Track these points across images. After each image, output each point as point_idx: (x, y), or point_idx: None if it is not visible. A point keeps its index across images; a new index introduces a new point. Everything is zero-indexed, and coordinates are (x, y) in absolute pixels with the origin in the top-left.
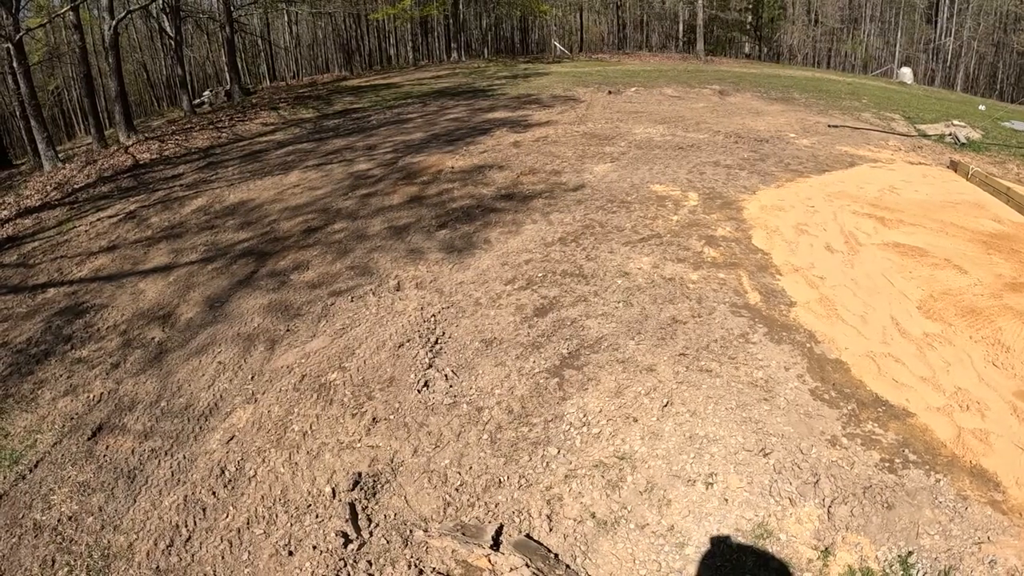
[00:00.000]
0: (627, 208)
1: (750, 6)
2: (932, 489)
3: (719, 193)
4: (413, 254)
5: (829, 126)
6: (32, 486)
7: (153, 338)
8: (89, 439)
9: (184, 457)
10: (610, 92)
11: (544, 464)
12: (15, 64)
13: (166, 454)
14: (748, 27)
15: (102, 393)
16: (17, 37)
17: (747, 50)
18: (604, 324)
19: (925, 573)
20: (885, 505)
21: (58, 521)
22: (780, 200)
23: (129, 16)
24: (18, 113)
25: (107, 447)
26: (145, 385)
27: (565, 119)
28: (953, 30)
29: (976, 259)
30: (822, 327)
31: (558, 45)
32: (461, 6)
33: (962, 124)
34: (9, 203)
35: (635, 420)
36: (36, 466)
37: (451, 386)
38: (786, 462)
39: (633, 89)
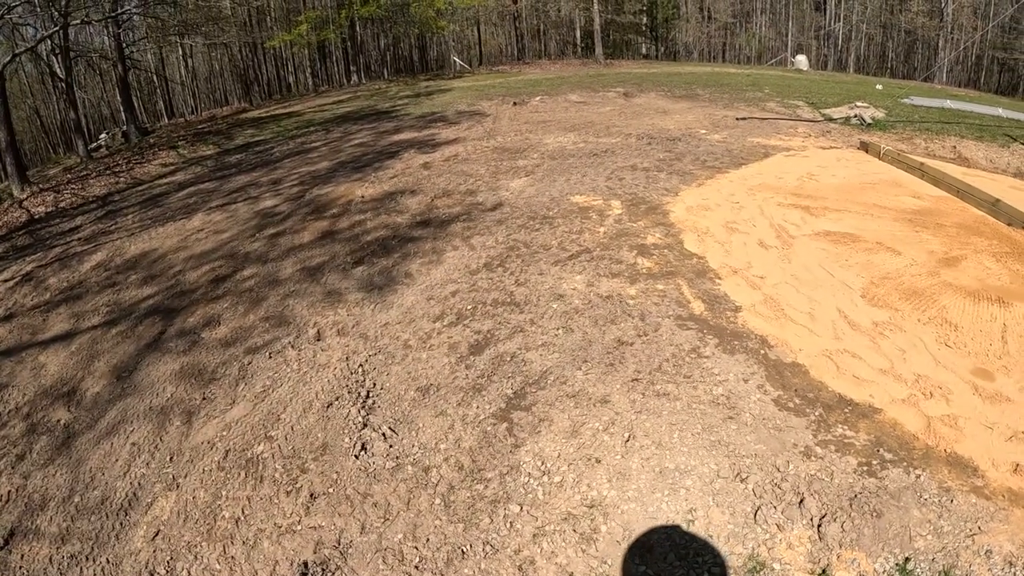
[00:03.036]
0: (551, 224)
1: (644, 8)
2: (914, 487)
3: (642, 198)
4: (331, 296)
5: (737, 119)
6: None
7: (59, 420)
8: (1, 549)
9: (108, 561)
10: (515, 103)
11: (508, 524)
12: None
13: (87, 559)
14: (644, 28)
15: (10, 491)
16: None
17: (644, 51)
18: (546, 355)
19: None
20: (873, 514)
21: None
22: (704, 199)
23: (16, 60)
24: None
25: (22, 556)
26: (55, 478)
27: (473, 135)
28: (842, 15)
29: (906, 238)
30: (772, 330)
31: (458, 60)
32: (358, 28)
33: (865, 105)
34: None
35: (598, 461)
36: None
37: (391, 446)
38: (765, 484)
39: (538, 98)
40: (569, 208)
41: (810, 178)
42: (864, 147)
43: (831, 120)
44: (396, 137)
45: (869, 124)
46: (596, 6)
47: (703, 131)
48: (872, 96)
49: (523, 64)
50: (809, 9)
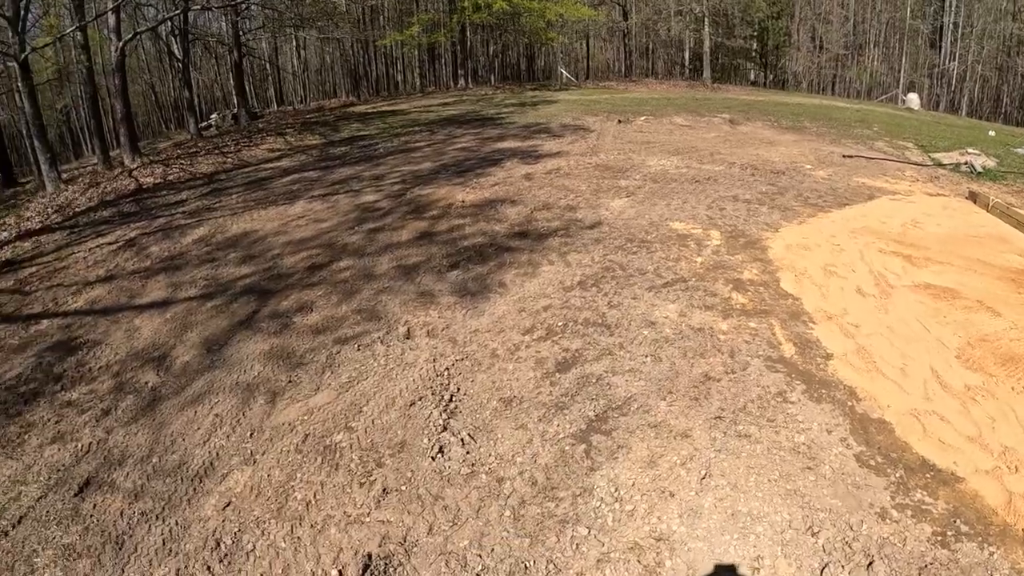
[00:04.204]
0: (648, 248)
1: (755, 33)
2: (987, 564)
3: (741, 231)
4: (424, 297)
5: (844, 156)
6: (15, 545)
7: (147, 383)
8: (76, 495)
9: (177, 523)
10: (620, 121)
11: (574, 546)
12: (20, 83)
13: (157, 518)
14: (754, 54)
15: (91, 443)
16: (23, 56)
17: (752, 77)
18: (632, 382)
19: None
20: None
21: None
22: (804, 238)
23: (137, 38)
24: (24, 132)
25: (95, 506)
26: (136, 437)
27: (576, 150)
28: (957, 54)
29: (1008, 299)
30: (862, 382)
31: (564, 72)
32: (468, 33)
33: (976, 152)
34: (9, 224)
35: (671, 495)
36: (19, 522)
37: (468, 452)
38: (836, 541)
39: (643, 118)
40: (667, 234)
41: (914, 225)
42: (972, 197)
43: (940, 165)
44: (499, 145)
45: (979, 173)
46: (707, 28)
47: (808, 166)
48: (984, 143)
49: (629, 81)
50: (924, 45)
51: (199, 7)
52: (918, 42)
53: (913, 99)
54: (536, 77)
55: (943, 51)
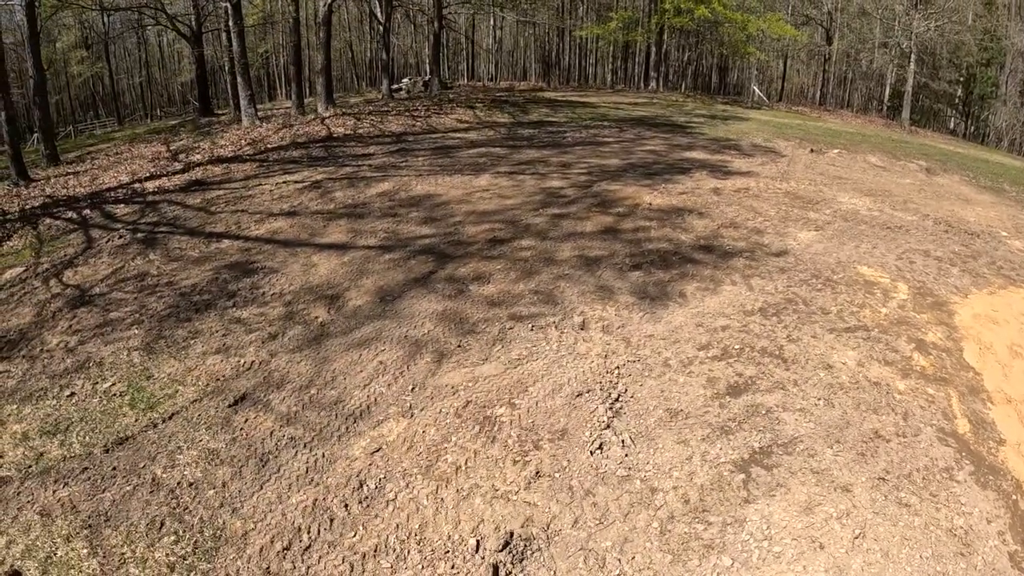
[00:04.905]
0: (833, 288)
1: (961, 79)
2: None
3: (930, 289)
4: (602, 291)
5: None
6: (162, 438)
7: (317, 317)
8: (230, 406)
9: (323, 456)
10: (812, 150)
11: (715, 574)
12: (231, 23)
13: (305, 447)
14: (956, 101)
15: (253, 362)
16: None
17: (952, 125)
18: (801, 422)
19: None
20: None
21: (178, 484)
22: (994, 311)
23: None
24: (227, 68)
25: (246, 420)
26: (299, 365)
27: (766, 172)
28: None
29: None
30: None
31: (757, 90)
32: (666, 36)
33: None
34: (203, 148)
35: (822, 547)
36: (170, 418)
37: (627, 455)
38: None
39: (836, 151)
40: (854, 277)
41: None
42: None
43: None
44: (688, 154)
45: None
46: (912, 65)
47: (1004, 233)
48: None
49: (823, 109)
50: None
51: None
52: None
53: None
54: (727, 91)
55: None
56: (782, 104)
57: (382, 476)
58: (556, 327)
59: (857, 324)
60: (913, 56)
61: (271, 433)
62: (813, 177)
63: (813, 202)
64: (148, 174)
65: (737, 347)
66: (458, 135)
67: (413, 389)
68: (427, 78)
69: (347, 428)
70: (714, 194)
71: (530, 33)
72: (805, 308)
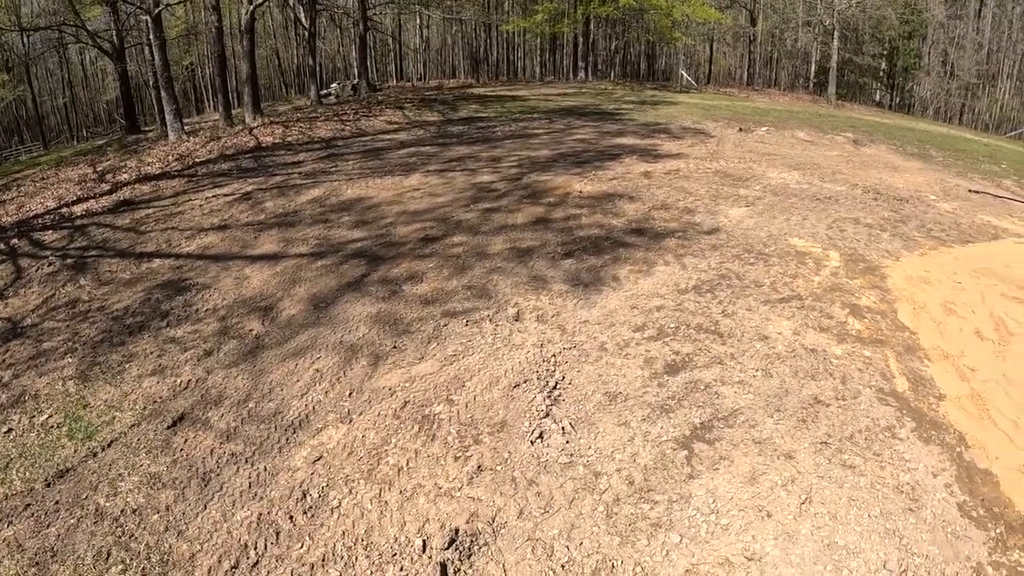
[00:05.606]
0: (765, 261)
1: (885, 52)
2: None
3: (861, 255)
4: (536, 281)
5: (970, 191)
6: (102, 466)
7: (251, 330)
8: (168, 428)
9: (265, 469)
10: (740, 129)
11: (664, 552)
12: (152, 36)
13: (246, 462)
14: (881, 74)
15: (190, 380)
16: (156, 11)
17: (878, 98)
18: (741, 394)
19: None
20: None
21: (121, 512)
22: (925, 272)
23: (266, 3)
24: (151, 83)
25: (185, 440)
26: (236, 380)
27: (696, 153)
28: None
29: None
30: (973, 429)
31: (685, 75)
32: (592, 26)
33: None
34: (130, 167)
35: (769, 515)
36: (110, 445)
37: (568, 442)
38: None
39: (764, 128)
40: (786, 249)
41: None
42: None
43: None
44: (618, 140)
45: None
46: (835, 42)
47: (932, 197)
48: None
49: (751, 90)
50: None
51: None
52: None
53: None
54: (656, 77)
55: None
56: (710, 87)
57: (325, 484)
58: (491, 320)
59: (791, 294)
60: (836, 33)
61: (211, 451)
62: (742, 155)
63: (743, 179)
64: (75, 197)
65: (673, 326)
66: (388, 136)
67: (351, 394)
68: (356, 81)
69: (287, 439)
70: (645, 178)
71: (457, 30)
72: (739, 282)
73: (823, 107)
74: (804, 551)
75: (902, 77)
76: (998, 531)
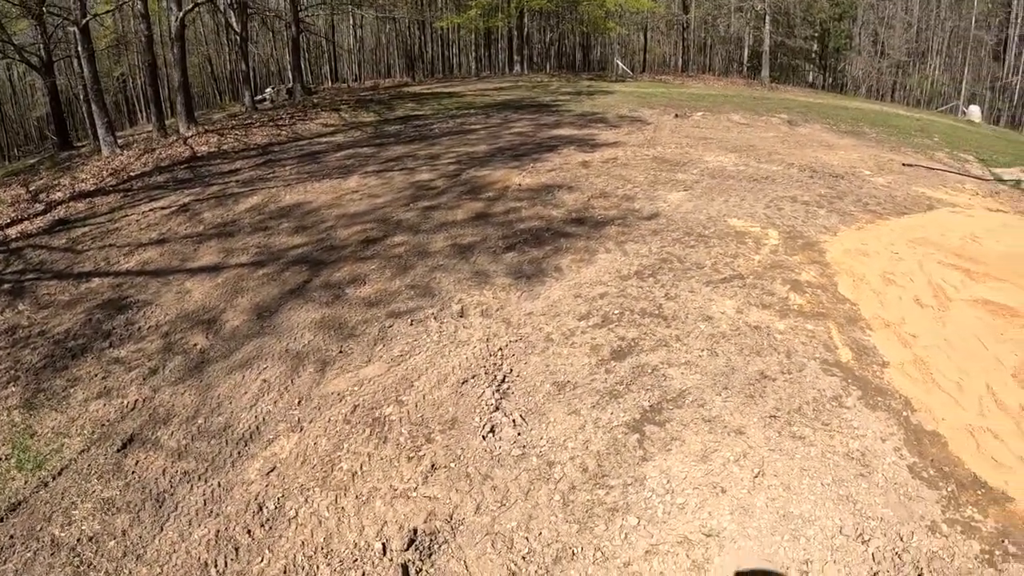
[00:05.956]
0: (706, 243)
1: (816, 34)
2: None
3: (800, 232)
4: (478, 277)
5: (903, 164)
6: (54, 496)
7: (195, 344)
8: (119, 451)
9: (219, 485)
10: (677, 115)
11: (623, 536)
12: (80, 48)
13: (200, 479)
14: (813, 55)
15: (137, 400)
16: (84, 21)
17: (811, 79)
18: (688, 375)
19: None
20: None
21: (78, 540)
22: (863, 244)
23: (196, 9)
24: (82, 97)
25: (137, 463)
26: (183, 397)
27: (633, 141)
28: (1021, 68)
29: None
30: (918, 393)
31: (620, 64)
32: (526, 19)
33: None
34: (64, 185)
35: (723, 491)
36: (60, 473)
37: (519, 434)
38: (886, 551)
39: (700, 113)
40: (725, 230)
41: (974, 240)
42: None
43: (1001, 181)
44: (555, 132)
45: None
46: (767, 26)
47: (867, 172)
48: None
49: (686, 76)
50: (987, 57)
51: None
52: (981, 53)
53: (974, 111)
54: (591, 68)
55: (1007, 64)
56: (646, 75)
57: (280, 495)
58: (435, 318)
59: (732, 274)
60: (768, 17)
61: (164, 471)
62: (679, 140)
63: (680, 164)
64: (8, 220)
65: (617, 312)
66: (325, 139)
67: (300, 402)
68: (290, 85)
69: (239, 452)
70: (583, 167)
71: (391, 29)
72: (680, 265)
73: (757, 90)
74: (760, 523)
75: (834, 58)
76: (949, 489)
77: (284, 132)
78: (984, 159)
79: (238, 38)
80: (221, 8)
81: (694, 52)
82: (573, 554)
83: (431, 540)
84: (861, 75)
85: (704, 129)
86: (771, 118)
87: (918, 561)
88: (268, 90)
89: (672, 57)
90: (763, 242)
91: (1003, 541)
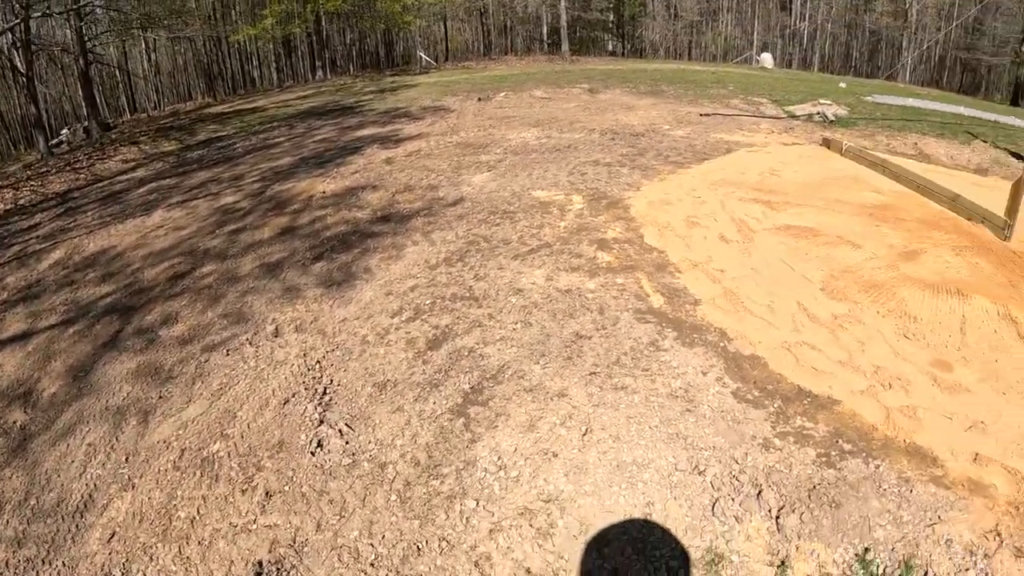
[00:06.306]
0: (511, 218)
1: (611, 5)
2: (873, 477)
3: (604, 193)
4: (290, 293)
5: (701, 115)
6: None
7: (15, 422)
8: None
9: (64, 564)
10: (479, 99)
11: (464, 520)
12: None
13: (43, 563)
14: (611, 25)
15: None
16: None
17: (611, 48)
18: (504, 349)
19: (885, 566)
20: (832, 504)
21: None
22: (666, 194)
23: None
24: None
25: None
26: (12, 481)
27: (437, 130)
28: (808, 15)
29: (866, 232)
30: (731, 323)
31: (424, 56)
32: (324, 23)
33: (828, 102)
34: None
35: (555, 455)
36: None
37: (347, 442)
38: (724, 476)
39: (503, 94)
40: (530, 203)
41: (772, 174)
42: (826, 144)
43: (794, 117)
44: (359, 133)
45: (832, 121)
46: (563, 3)
47: (667, 127)
48: (836, 94)
49: (489, 60)
50: (775, 8)
51: (40, 14)
52: (769, 5)
53: (767, 58)
54: (396, 63)
55: (794, 12)
56: (449, 64)
57: (125, 560)
58: (251, 343)
59: (539, 244)
60: None
61: (7, 564)
62: (482, 123)
63: (484, 146)
64: None
65: (428, 302)
66: (126, 176)
67: (127, 459)
68: (87, 123)
69: (77, 526)
70: (387, 164)
71: (187, 49)
72: (487, 245)
73: (559, 64)
74: (596, 478)
75: (631, 25)
76: (776, 406)
77: (83, 175)
78: (777, 99)
79: (24, 79)
80: (5, 50)
81: (495, 35)
82: (419, 549)
83: (278, 568)
84: (658, 39)
85: (507, 108)
86: (572, 89)
87: (756, 479)
88: (64, 131)
89: (474, 43)
90: (568, 208)
91: (837, 441)
